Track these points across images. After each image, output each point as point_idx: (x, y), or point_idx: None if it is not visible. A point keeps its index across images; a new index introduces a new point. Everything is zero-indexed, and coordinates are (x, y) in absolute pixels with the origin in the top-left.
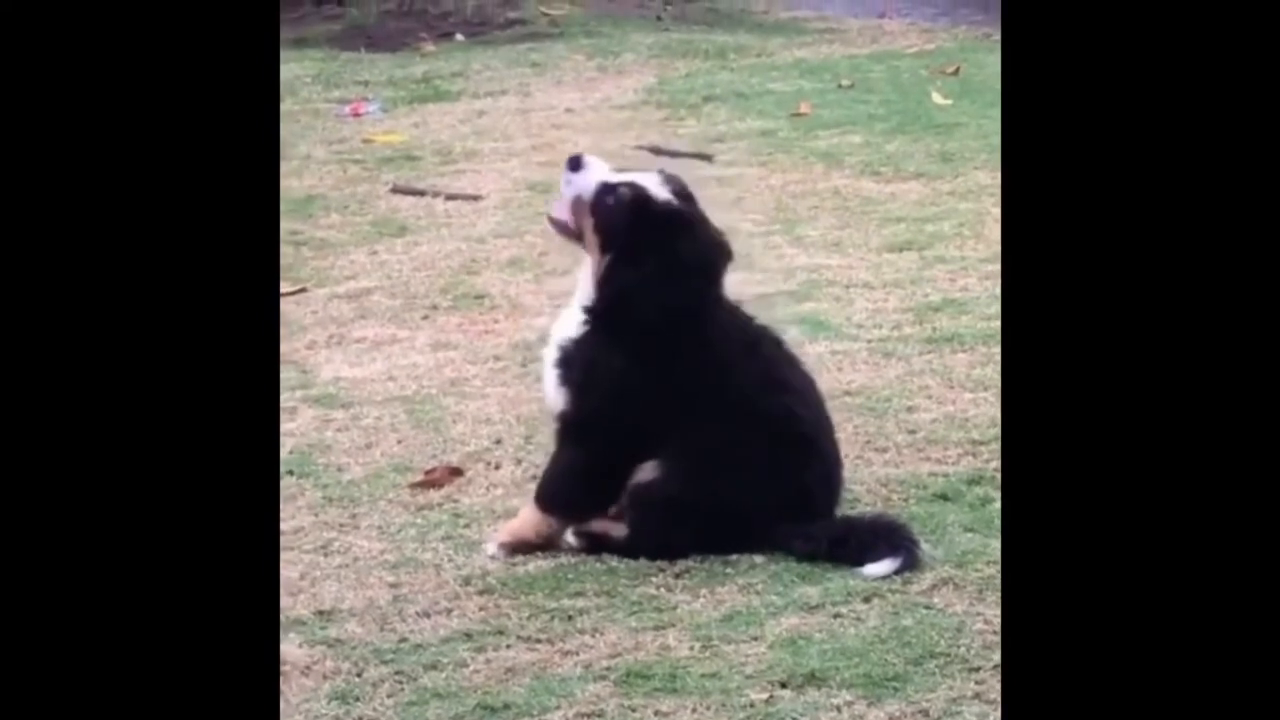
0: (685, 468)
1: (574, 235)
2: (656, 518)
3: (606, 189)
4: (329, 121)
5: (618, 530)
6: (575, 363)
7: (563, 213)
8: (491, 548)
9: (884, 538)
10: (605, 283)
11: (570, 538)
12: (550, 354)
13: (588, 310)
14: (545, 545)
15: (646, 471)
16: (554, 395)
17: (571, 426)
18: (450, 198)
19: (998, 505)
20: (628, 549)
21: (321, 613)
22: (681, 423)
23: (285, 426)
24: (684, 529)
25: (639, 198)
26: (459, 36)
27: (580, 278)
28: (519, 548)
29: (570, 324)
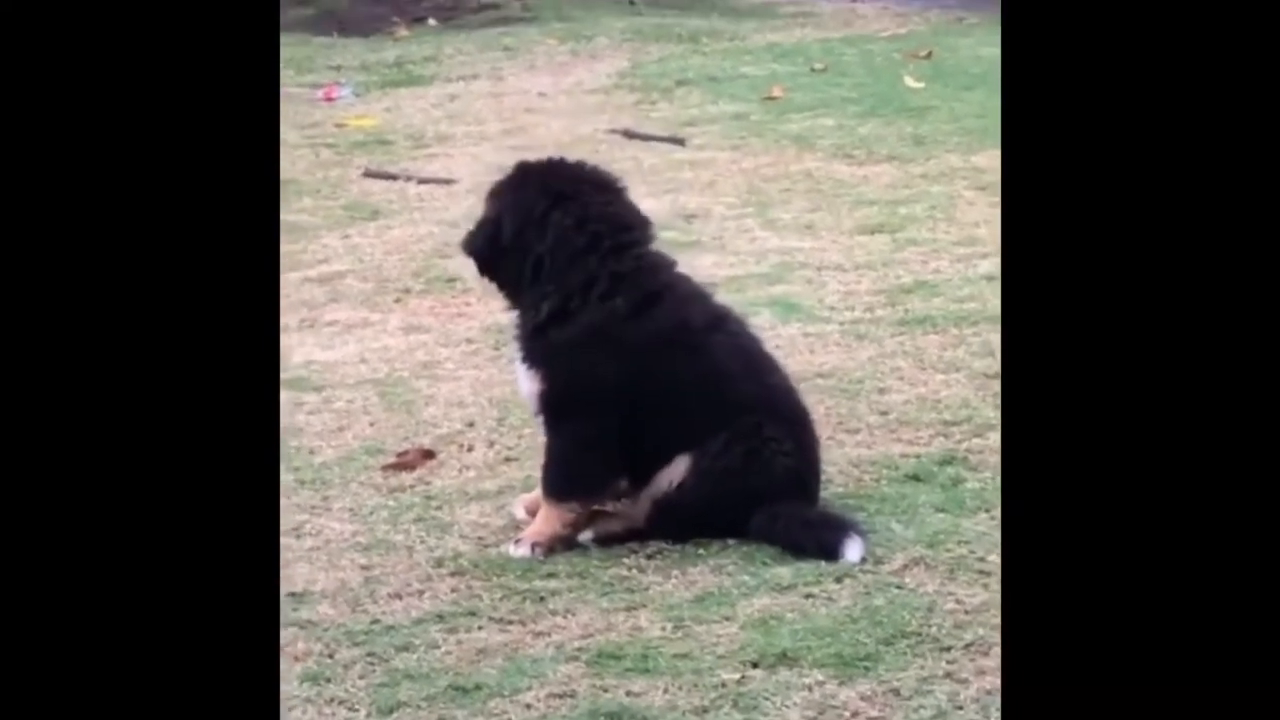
0: (705, 470)
1: None
2: (680, 525)
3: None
4: (301, 106)
5: (634, 525)
6: (541, 340)
7: None
8: (524, 549)
9: (845, 524)
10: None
11: (589, 539)
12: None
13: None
14: (577, 532)
15: (668, 477)
16: (525, 379)
17: (554, 403)
18: (422, 182)
19: (969, 486)
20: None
21: (293, 595)
22: (689, 411)
23: None
24: (707, 528)
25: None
26: (431, 21)
27: None
28: (553, 545)
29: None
